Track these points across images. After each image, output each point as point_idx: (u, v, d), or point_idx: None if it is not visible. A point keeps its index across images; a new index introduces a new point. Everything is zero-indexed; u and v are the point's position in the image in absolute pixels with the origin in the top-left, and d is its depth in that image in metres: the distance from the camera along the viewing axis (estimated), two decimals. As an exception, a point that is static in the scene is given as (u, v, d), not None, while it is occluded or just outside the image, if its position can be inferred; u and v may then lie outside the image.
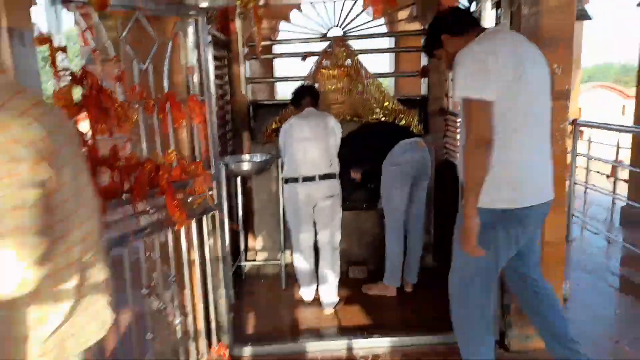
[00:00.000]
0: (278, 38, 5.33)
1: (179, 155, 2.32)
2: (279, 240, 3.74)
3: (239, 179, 3.77)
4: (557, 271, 2.60)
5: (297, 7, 4.62)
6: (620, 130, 4.60)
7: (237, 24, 3.69)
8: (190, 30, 2.39)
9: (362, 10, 4.15)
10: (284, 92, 6.21)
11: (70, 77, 1.79)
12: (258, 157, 3.63)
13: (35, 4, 4.37)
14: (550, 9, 2.47)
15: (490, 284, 2.06)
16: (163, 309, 2.30)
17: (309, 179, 3.13)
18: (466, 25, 2.01)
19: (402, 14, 4.74)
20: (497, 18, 2.68)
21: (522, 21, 2.49)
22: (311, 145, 3.12)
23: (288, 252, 3.77)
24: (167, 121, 2.25)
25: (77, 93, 1.83)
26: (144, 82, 2.13)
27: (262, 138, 4.06)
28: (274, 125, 3.96)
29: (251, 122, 4.43)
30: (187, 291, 2.45)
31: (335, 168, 3.21)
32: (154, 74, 2.20)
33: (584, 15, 4.13)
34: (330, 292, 3.22)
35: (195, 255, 2.48)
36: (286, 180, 3.22)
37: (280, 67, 6.17)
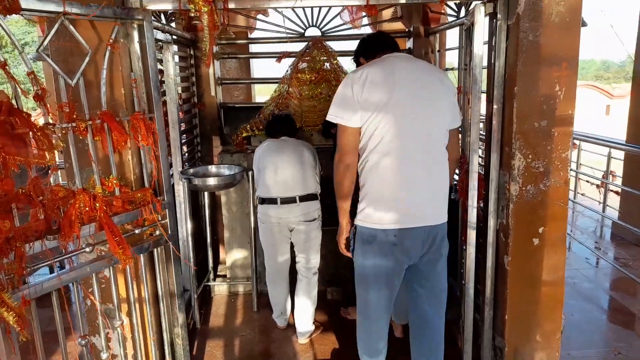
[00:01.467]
0: (254, 35, 4.98)
1: (122, 182, 2.00)
2: (251, 257, 3.45)
3: (205, 195, 3.46)
4: (555, 314, 2.37)
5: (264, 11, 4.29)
6: (611, 147, 4.38)
7: (204, 21, 3.35)
8: (135, 35, 2.06)
9: (338, 13, 3.84)
10: (262, 92, 5.89)
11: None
12: (226, 170, 3.31)
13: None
14: (552, 24, 2.21)
15: (377, 297, 2.04)
16: None
17: (284, 200, 2.85)
18: (376, 51, 2.09)
19: (386, 13, 4.43)
20: (492, 32, 2.40)
21: (520, 36, 2.22)
22: (285, 166, 2.84)
23: (261, 272, 3.48)
24: (105, 143, 1.92)
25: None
26: (74, 100, 1.80)
27: (232, 146, 3.74)
28: (244, 134, 3.63)
29: (222, 126, 4.11)
30: (137, 335, 2.15)
31: (313, 188, 2.91)
32: (90, 89, 1.87)
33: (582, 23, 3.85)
34: (305, 321, 2.94)
35: (146, 293, 2.18)
36: (261, 201, 2.94)
37: (258, 66, 5.80)
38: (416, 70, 1.97)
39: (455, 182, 3.24)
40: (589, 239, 4.96)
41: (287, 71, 3.88)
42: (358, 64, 2.28)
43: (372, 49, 2.14)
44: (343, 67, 3.85)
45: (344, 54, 3.88)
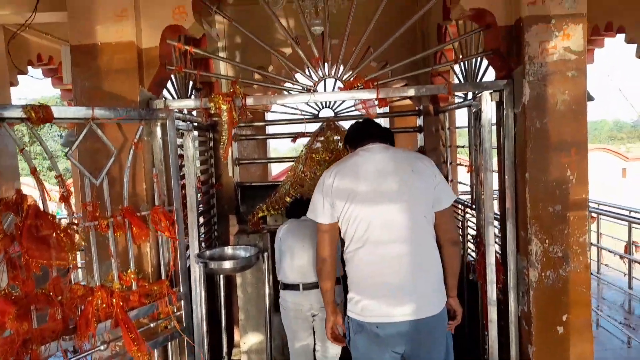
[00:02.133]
0: (270, 116, 5.19)
1: (140, 276, 2.03)
2: (265, 341, 3.37)
3: (220, 278, 3.46)
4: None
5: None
6: (630, 221, 4.32)
7: (224, 107, 3.52)
8: (158, 130, 2.17)
9: (353, 105, 4.01)
10: (278, 170, 6.03)
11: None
12: (242, 251, 3.32)
13: (16, 84, 4.24)
14: (558, 112, 2.28)
15: None
16: None
17: (306, 287, 2.81)
18: (357, 141, 2.15)
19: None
20: (499, 117, 2.48)
21: (527, 124, 2.29)
22: (305, 251, 2.83)
23: (276, 357, 3.39)
24: (126, 239, 1.97)
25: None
26: (98, 198, 1.88)
27: (248, 226, 3.77)
28: (260, 214, 3.68)
29: (239, 205, 4.17)
30: None
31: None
32: (113, 186, 1.95)
33: (587, 97, 3.94)
34: None
35: (159, 389, 2.13)
36: (283, 286, 2.92)
37: (275, 143, 5.99)
38: (385, 161, 2.00)
39: (473, 262, 3.20)
40: (617, 313, 4.75)
41: (302, 150, 3.99)
42: (347, 149, 2.37)
43: (354, 139, 2.21)
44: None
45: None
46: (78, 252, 1.78)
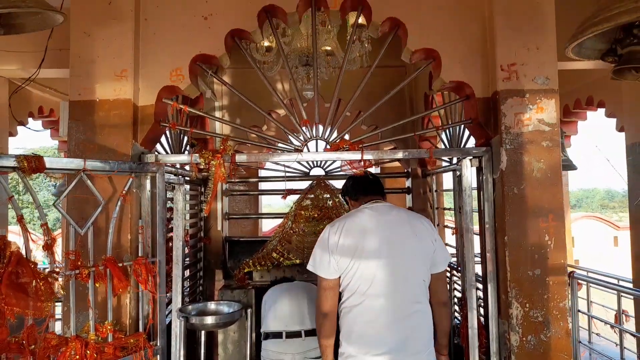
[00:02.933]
0: (263, 173, 5.29)
1: (117, 326, 2.02)
2: (246, 404, 3.25)
3: (202, 334, 3.40)
4: None
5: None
6: (621, 292, 4.33)
7: (214, 162, 3.62)
8: (147, 184, 2.24)
9: (340, 166, 4.15)
10: (268, 226, 6.09)
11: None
12: (226, 307, 3.28)
13: (15, 134, 4.34)
14: (535, 179, 2.39)
15: None
16: None
17: (289, 335, 2.74)
18: (358, 194, 2.28)
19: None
20: (480, 182, 2.58)
21: (505, 190, 2.38)
22: (290, 301, 2.83)
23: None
24: (106, 289, 1.98)
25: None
26: (82, 248, 1.91)
27: (234, 281, 3.76)
28: (246, 269, 3.68)
29: (226, 259, 4.17)
30: None
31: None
32: (99, 235, 1.99)
33: (569, 166, 4.11)
34: None
35: None
36: (266, 336, 2.85)
37: (267, 199, 6.09)
38: (390, 222, 2.08)
39: (458, 324, 3.17)
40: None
41: (291, 208, 4.05)
42: (345, 199, 2.48)
43: (355, 191, 2.31)
44: (345, 205, 4.02)
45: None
46: (57, 302, 1.78)
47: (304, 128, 2.54)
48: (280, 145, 2.49)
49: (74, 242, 1.90)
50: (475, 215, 2.71)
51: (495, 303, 2.50)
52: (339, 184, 4.23)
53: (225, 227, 4.20)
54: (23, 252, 1.68)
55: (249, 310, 3.22)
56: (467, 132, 3.12)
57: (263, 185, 5.06)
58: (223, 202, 4.18)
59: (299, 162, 4.28)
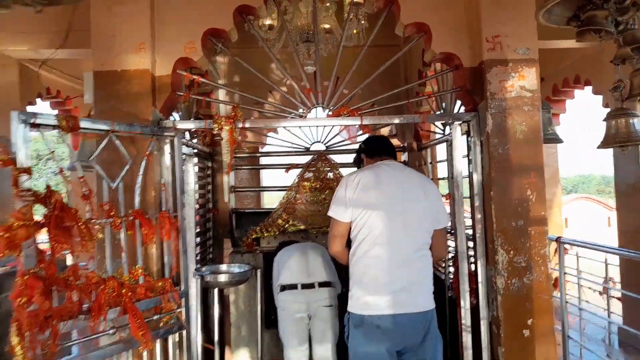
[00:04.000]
0: (265, 149, 5.52)
1: (146, 272, 2.27)
2: (257, 357, 3.53)
3: (216, 289, 3.65)
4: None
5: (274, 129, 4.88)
6: (606, 252, 4.60)
7: (223, 137, 3.86)
8: (167, 148, 2.48)
9: (339, 132, 4.37)
10: (271, 199, 6.31)
11: (32, 197, 1.80)
12: (237, 268, 3.55)
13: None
14: (517, 140, 2.63)
15: None
16: None
17: (304, 286, 3.01)
18: (374, 152, 2.48)
19: (384, 131, 4.98)
20: (469, 147, 2.81)
21: (491, 150, 2.62)
22: (304, 257, 3.10)
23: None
24: (136, 237, 2.23)
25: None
26: (114, 200, 2.15)
27: (242, 247, 4.02)
28: (254, 235, 3.93)
29: (234, 229, 4.42)
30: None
31: (331, 277, 3.12)
32: (127, 192, 2.23)
33: (555, 139, 4.36)
34: None
35: (158, 380, 2.32)
36: (282, 288, 3.08)
37: (268, 176, 6.31)
38: (401, 178, 2.32)
39: (451, 280, 3.44)
40: (600, 347, 4.91)
41: (294, 180, 4.30)
42: (359, 158, 2.68)
43: (372, 150, 2.51)
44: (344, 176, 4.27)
45: (345, 165, 4.32)
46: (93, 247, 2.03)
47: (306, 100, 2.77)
48: (286, 111, 2.72)
49: (107, 195, 2.14)
50: (465, 182, 2.96)
51: (483, 251, 2.76)
52: (338, 158, 4.48)
53: (232, 200, 4.44)
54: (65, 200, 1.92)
55: (258, 271, 3.48)
56: (457, 105, 3.36)
57: (265, 162, 5.29)
58: (229, 175, 4.42)
59: (299, 137, 4.51)
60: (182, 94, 2.63)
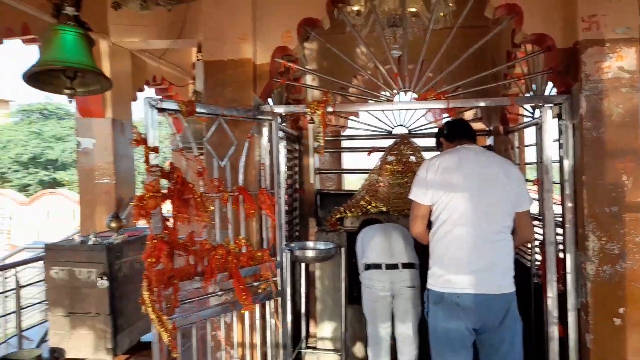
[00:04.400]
0: (346, 133, 5.68)
1: (248, 242, 2.53)
2: (340, 330, 3.74)
3: (302, 265, 3.90)
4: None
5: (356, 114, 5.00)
6: None
7: (315, 120, 4.07)
8: (265, 131, 2.70)
9: (423, 114, 4.39)
10: (350, 182, 6.48)
11: (159, 173, 2.09)
12: (322, 245, 3.76)
13: (136, 99, 5.08)
14: (612, 123, 2.55)
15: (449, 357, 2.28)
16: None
17: (388, 266, 3.14)
18: (453, 136, 2.55)
19: (468, 114, 4.92)
20: (560, 130, 2.77)
21: (584, 133, 2.57)
22: (389, 238, 3.23)
23: (351, 344, 3.74)
24: (239, 211, 2.49)
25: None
26: (222, 177, 2.41)
27: (327, 226, 4.23)
28: (338, 215, 4.13)
29: (318, 209, 4.65)
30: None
31: (413, 259, 3.23)
32: (231, 170, 2.49)
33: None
34: None
35: (257, 339, 2.59)
36: (367, 267, 3.24)
37: (348, 159, 6.46)
38: (481, 162, 2.37)
39: (537, 267, 3.40)
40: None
41: (376, 163, 4.42)
42: (438, 142, 2.76)
43: (452, 134, 2.58)
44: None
45: (428, 149, 4.36)
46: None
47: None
48: (373, 95, 2.84)
49: (217, 173, 2.41)
50: (555, 167, 2.91)
51: (573, 237, 2.72)
52: (420, 142, 4.52)
53: (316, 181, 4.67)
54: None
55: (342, 249, 3.67)
56: (548, 87, 3.27)
57: (345, 145, 5.46)
58: (314, 158, 4.64)
59: (381, 121, 4.61)
60: (278, 80, 2.84)
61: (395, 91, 2.85)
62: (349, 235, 3.98)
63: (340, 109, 2.73)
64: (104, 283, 3.45)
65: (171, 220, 2.13)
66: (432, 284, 2.33)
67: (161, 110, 2.13)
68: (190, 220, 2.17)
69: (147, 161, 2.04)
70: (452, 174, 2.32)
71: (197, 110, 2.28)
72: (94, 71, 2.59)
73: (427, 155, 4.39)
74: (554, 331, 2.68)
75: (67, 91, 2.61)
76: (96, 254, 3.48)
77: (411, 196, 2.43)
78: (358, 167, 5.00)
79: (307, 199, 4.58)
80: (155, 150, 2.07)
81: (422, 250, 3.01)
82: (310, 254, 3.52)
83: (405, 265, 3.15)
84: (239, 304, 2.37)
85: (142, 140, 2.04)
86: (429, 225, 2.45)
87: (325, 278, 3.98)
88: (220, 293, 2.34)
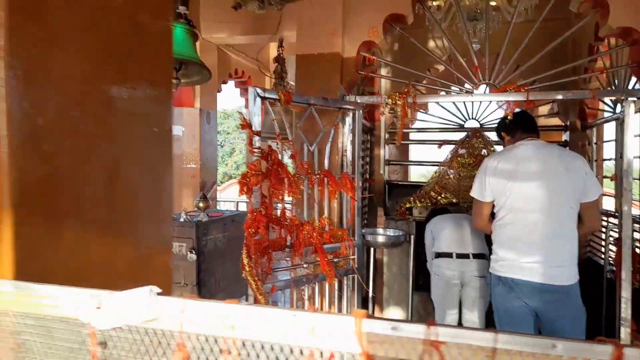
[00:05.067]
0: (415, 126, 5.77)
1: (330, 221, 2.74)
2: (407, 315, 3.90)
3: (371, 250, 4.09)
4: None
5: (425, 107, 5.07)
6: None
7: (399, 102, 4.24)
8: (347, 120, 2.90)
9: (498, 107, 4.41)
10: (416, 174, 6.55)
11: (259, 154, 2.34)
12: (391, 232, 3.93)
13: (220, 91, 5.44)
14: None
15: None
16: None
17: (459, 256, 3.24)
18: (515, 130, 2.61)
19: (543, 109, 4.88)
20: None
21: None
22: (460, 228, 3.33)
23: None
24: (324, 192, 2.70)
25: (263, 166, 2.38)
26: (310, 160, 2.64)
27: (396, 215, 4.38)
28: (407, 205, 4.26)
29: (386, 199, 4.80)
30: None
31: (483, 249, 3.31)
32: (318, 154, 2.71)
33: None
34: None
35: (335, 310, 2.80)
36: (437, 255, 3.36)
37: (415, 151, 6.54)
38: (543, 156, 2.42)
39: (611, 262, 3.38)
40: None
41: (447, 156, 4.50)
42: (499, 136, 2.82)
43: (514, 127, 2.63)
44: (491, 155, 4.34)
45: (499, 142, 4.36)
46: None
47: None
48: (452, 88, 2.95)
49: (306, 156, 2.63)
50: (635, 162, 2.88)
51: (652, 232, 2.71)
52: (493, 136, 4.54)
53: (386, 171, 4.82)
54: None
55: (412, 237, 3.81)
56: (631, 82, 3.23)
57: (413, 138, 5.55)
58: (385, 149, 4.79)
59: (452, 114, 4.67)
60: (362, 72, 3.03)
61: (475, 84, 2.94)
62: (417, 225, 4.11)
63: (422, 100, 2.87)
64: (192, 257, 3.80)
65: (268, 197, 2.38)
66: (495, 267, 2.46)
67: (264, 99, 2.37)
68: (284, 198, 2.41)
69: (250, 143, 2.30)
70: (514, 165, 2.40)
71: (294, 100, 2.50)
72: (198, 63, 2.89)
73: (498, 149, 4.42)
74: (625, 335, 2.68)
75: (173, 81, 2.92)
76: (187, 229, 3.84)
77: (472, 194, 2.58)
78: (425, 159, 5.10)
79: (376, 188, 4.75)
80: (258, 134, 2.32)
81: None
82: (380, 239, 3.70)
83: (476, 256, 3.24)
84: (322, 276, 2.59)
85: (248, 125, 2.30)
86: (492, 215, 2.56)
87: (393, 265, 4.14)
88: (305, 265, 2.57)
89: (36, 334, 0.78)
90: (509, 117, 2.75)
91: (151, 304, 0.70)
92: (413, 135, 5.62)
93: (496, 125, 2.92)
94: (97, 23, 1.25)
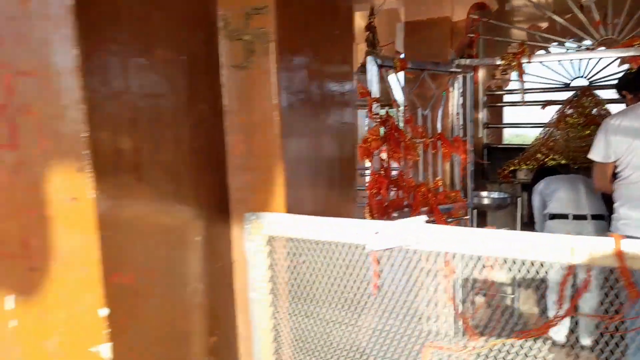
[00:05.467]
0: (509, 87, 5.57)
1: (444, 183, 2.84)
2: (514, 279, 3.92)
3: (474, 214, 4.12)
4: None
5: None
6: None
7: (480, 74, 4.16)
8: (456, 84, 2.93)
9: (612, 62, 4.15)
10: (508, 136, 6.37)
11: (379, 120, 2.47)
12: (496, 195, 3.93)
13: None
14: None
15: None
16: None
17: (576, 217, 3.10)
18: (637, 87, 2.47)
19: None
20: None
21: None
22: (575, 188, 3.19)
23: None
24: (437, 155, 2.79)
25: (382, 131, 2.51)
26: (424, 124, 2.73)
27: (499, 178, 4.34)
28: (511, 167, 4.22)
29: (485, 162, 4.77)
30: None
31: (602, 210, 3.16)
32: (431, 118, 2.79)
33: None
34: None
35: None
36: (551, 217, 3.23)
37: (508, 114, 6.35)
38: None
39: None
40: None
41: (553, 116, 4.34)
42: (620, 94, 2.71)
43: (636, 85, 2.51)
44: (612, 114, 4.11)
45: (613, 101, 4.14)
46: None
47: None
48: (568, 44, 2.87)
49: (420, 121, 2.73)
50: None
51: None
52: (603, 94, 4.30)
53: (484, 135, 4.76)
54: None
55: (519, 199, 3.79)
56: None
57: (507, 100, 5.37)
58: (483, 112, 4.72)
59: (558, 73, 4.47)
60: (472, 35, 3.03)
61: (596, 40, 2.84)
62: (522, 187, 4.07)
63: (538, 59, 2.82)
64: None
65: (386, 160, 2.52)
66: (619, 227, 2.41)
67: (381, 66, 2.48)
68: (400, 161, 2.54)
69: (370, 109, 2.43)
70: (637, 129, 2.31)
71: (409, 66, 2.59)
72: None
73: (611, 107, 4.19)
74: None
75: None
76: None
77: (591, 156, 2.50)
78: (519, 121, 4.95)
79: (475, 152, 4.71)
80: (377, 100, 2.45)
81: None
82: (486, 201, 3.73)
83: (595, 217, 3.09)
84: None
85: (367, 92, 2.43)
86: (614, 175, 2.49)
87: (499, 227, 4.14)
88: (422, 225, 2.69)
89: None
90: (632, 71, 2.63)
91: (419, 230, 0.92)
92: (507, 98, 5.44)
93: (616, 82, 2.81)
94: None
